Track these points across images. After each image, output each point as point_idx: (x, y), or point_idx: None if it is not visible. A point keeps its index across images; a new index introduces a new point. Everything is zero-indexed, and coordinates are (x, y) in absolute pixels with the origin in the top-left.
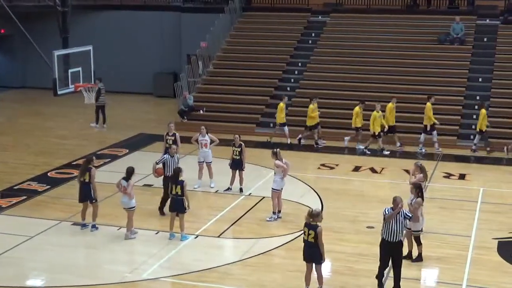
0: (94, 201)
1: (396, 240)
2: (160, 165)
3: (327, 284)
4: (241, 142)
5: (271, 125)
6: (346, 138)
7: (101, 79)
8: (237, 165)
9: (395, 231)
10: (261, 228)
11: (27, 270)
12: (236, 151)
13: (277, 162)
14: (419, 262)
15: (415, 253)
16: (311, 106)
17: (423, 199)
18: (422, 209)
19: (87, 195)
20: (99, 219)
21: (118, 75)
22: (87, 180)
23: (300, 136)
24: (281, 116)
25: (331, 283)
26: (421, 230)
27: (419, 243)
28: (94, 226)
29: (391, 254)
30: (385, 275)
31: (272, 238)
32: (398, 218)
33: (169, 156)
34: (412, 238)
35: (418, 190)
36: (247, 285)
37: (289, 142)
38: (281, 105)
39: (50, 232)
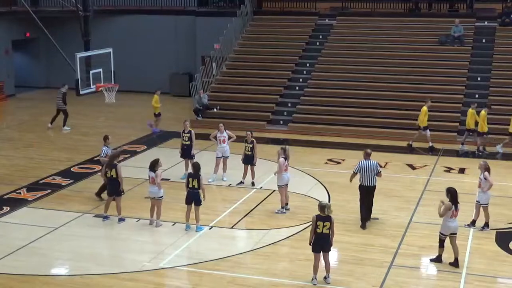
0: (122, 193)
1: (370, 185)
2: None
3: (334, 272)
4: (253, 139)
5: (281, 122)
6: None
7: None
8: (249, 160)
9: (370, 178)
10: (272, 220)
11: (51, 259)
12: (248, 147)
13: (280, 160)
14: (438, 263)
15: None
16: (424, 108)
17: (456, 205)
18: (452, 213)
19: (114, 189)
20: None
21: (137, 75)
22: (114, 176)
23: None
24: (424, 119)
25: (338, 271)
26: (445, 235)
27: (440, 245)
28: (121, 219)
29: (367, 195)
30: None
31: (282, 229)
32: (371, 168)
33: (106, 147)
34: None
35: (449, 194)
36: (258, 273)
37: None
38: (425, 108)
39: (73, 224)
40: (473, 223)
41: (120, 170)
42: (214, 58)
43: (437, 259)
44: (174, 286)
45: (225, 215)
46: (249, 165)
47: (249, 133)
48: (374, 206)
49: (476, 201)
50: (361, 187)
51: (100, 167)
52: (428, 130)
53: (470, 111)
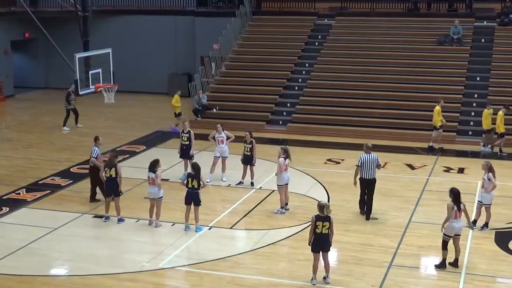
0: (120, 194)
1: (371, 178)
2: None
3: (334, 272)
4: (252, 139)
5: (280, 122)
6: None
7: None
8: (248, 160)
9: (371, 172)
10: (271, 220)
11: (51, 260)
12: (247, 147)
13: (280, 160)
14: (442, 269)
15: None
16: (437, 107)
17: (458, 206)
18: (455, 215)
19: (113, 190)
20: None
21: (136, 75)
22: (113, 176)
23: (431, 144)
24: (438, 119)
25: (337, 271)
26: (449, 236)
27: (444, 248)
28: (120, 220)
29: (367, 187)
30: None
31: (281, 229)
32: (372, 161)
33: (97, 148)
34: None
35: (452, 194)
36: (258, 273)
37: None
38: (437, 108)
39: (72, 224)
40: (473, 222)
41: (121, 170)
42: (213, 58)
43: (442, 264)
44: (173, 286)
45: (225, 215)
46: (248, 166)
47: (247, 133)
48: (373, 206)
49: (478, 201)
50: (362, 180)
51: (89, 166)
52: (440, 131)
53: (486, 111)
